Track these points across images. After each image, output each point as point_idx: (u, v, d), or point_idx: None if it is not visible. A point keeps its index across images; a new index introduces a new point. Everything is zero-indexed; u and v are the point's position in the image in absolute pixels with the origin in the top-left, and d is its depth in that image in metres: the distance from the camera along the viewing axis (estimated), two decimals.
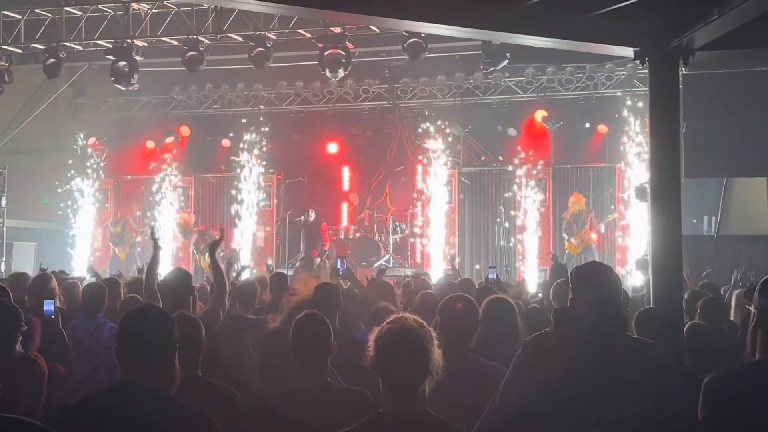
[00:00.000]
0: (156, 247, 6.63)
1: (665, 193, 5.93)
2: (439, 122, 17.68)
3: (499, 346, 4.52)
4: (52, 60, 15.19)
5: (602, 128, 17.36)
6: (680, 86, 6.84)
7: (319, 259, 16.71)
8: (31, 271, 11.28)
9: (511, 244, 17.30)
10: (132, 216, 18.91)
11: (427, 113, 18.23)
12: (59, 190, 19.05)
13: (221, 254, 16.56)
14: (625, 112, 16.39)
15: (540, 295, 9.11)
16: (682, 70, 9.45)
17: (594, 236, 16.25)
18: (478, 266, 17.40)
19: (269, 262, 16.39)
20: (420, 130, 18.05)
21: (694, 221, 14.58)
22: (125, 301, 6.95)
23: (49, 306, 5.18)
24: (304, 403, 3.82)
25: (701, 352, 4.95)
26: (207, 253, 6.77)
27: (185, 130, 19.63)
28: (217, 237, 6.65)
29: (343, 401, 3.83)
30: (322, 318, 4.11)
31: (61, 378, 5.00)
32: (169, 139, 19.34)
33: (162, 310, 3.43)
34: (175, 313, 3.90)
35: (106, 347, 6.08)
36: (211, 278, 7.20)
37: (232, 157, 18.56)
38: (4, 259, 17.71)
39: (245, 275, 9.67)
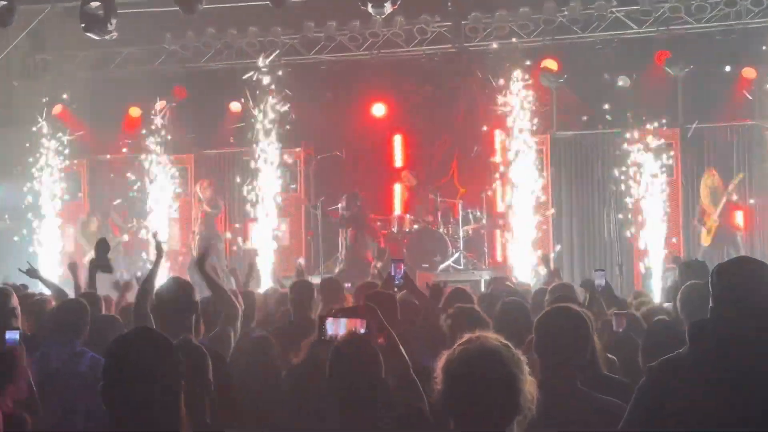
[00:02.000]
0: (159, 254, 6.68)
1: None
2: (522, 71, 17.56)
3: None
4: (1, 3, 15.37)
5: (748, 73, 17.12)
6: None
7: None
8: None
9: (627, 235, 17.13)
10: (114, 209, 19.17)
11: (506, 59, 18.12)
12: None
13: (225, 265, 16.67)
14: None
15: (667, 304, 9.05)
16: None
17: (740, 221, 16.11)
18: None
19: (300, 260, 16.42)
20: (496, 90, 17.94)
21: None
22: (100, 320, 7.02)
23: (12, 335, 5.23)
24: None
25: None
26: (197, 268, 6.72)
27: (181, 92, 19.79)
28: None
29: None
30: (367, 343, 4.16)
31: (25, 429, 5.06)
32: (161, 105, 19.50)
33: (162, 336, 3.45)
34: (177, 340, 3.94)
35: (85, 384, 6.12)
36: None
37: (244, 125, 18.68)
38: None
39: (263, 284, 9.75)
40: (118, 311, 8.22)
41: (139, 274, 11.55)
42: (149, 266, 8.39)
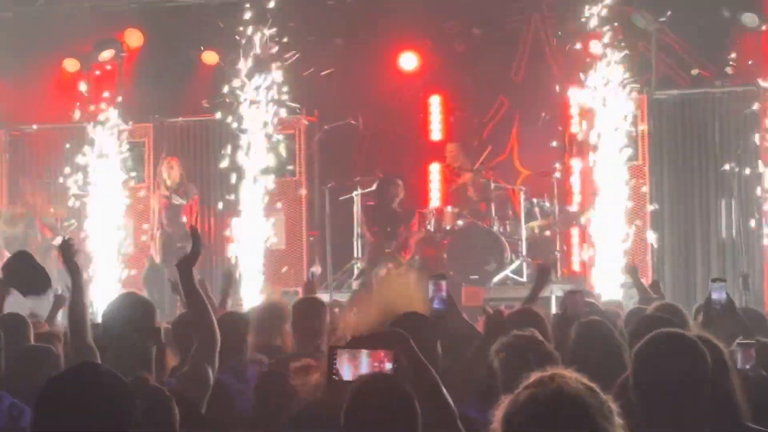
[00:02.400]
0: (74, 270, 6.60)
1: None
2: (609, 7, 17.54)
3: None
4: None
5: None
6: None
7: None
8: None
9: (755, 234, 17.11)
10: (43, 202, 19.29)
11: None
12: None
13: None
14: None
15: None
16: None
17: None
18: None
19: (314, 269, 16.38)
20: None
21: None
22: (29, 352, 7.04)
23: None
24: None
25: None
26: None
27: (135, 37, 19.85)
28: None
29: None
30: (397, 385, 4.15)
31: None
32: (107, 54, 19.57)
33: (113, 375, 3.44)
34: (132, 378, 3.95)
35: None
36: None
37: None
38: None
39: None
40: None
41: (59, 291, 11.31)
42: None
